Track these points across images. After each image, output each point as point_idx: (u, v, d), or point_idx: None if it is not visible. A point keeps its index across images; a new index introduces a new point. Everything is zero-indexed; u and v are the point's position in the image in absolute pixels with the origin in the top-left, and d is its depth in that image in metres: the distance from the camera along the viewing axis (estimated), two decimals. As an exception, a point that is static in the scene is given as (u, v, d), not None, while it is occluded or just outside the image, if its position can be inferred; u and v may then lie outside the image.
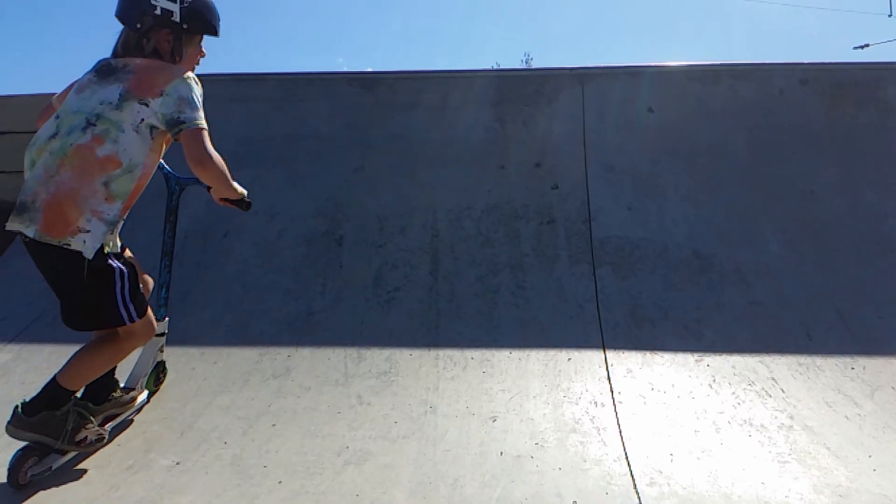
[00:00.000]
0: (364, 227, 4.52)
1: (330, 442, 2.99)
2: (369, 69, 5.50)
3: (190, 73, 2.82)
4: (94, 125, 2.66)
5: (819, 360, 3.50)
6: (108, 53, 2.94)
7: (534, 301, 3.99)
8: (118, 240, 2.88)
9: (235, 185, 2.95)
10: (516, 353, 3.62)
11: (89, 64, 2.96)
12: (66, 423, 2.74)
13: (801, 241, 4.25)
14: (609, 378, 3.41)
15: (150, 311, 2.94)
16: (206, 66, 3.19)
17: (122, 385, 3.18)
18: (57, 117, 2.77)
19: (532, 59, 38.23)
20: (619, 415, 3.14)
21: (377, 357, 3.65)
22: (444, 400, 3.29)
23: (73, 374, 2.76)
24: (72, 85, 2.91)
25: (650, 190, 4.59)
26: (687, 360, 3.54)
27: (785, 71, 5.13)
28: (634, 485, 2.68)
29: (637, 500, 2.59)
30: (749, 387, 3.32)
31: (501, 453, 2.88)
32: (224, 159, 2.85)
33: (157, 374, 3.45)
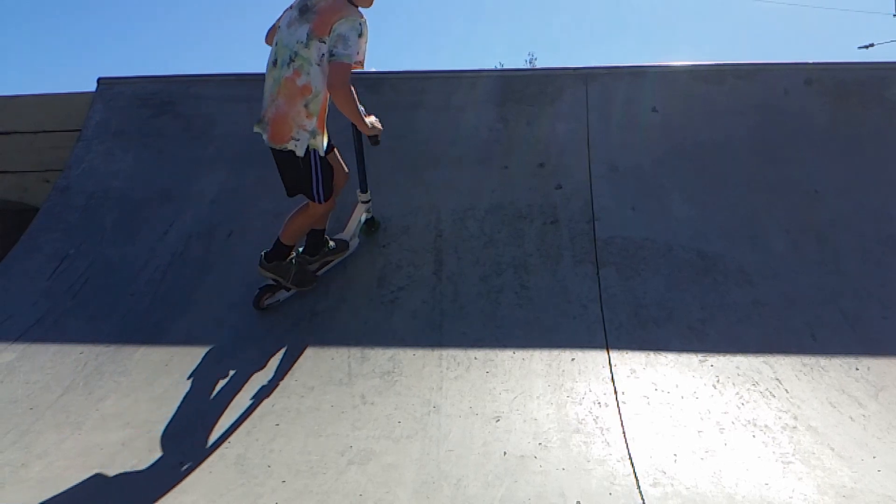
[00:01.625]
0: (366, 226, 4.51)
1: (333, 441, 3.00)
2: (373, 69, 5.48)
3: (358, 15, 3.56)
4: (294, 61, 3.58)
5: (823, 361, 3.49)
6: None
7: (537, 301, 3.99)
8: (322, 142, 3.73)
9: (366, 119, 3.80)
10: (520, 354, 3.62)
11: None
12: (291, 268, 3.99)
13: (806, 241, 4.24)
14: (613, 378, 3.41)
15: (332, 198, 3.95)
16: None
17: (338, 237, 4.30)
18: (276, 44, 3.72)
19: (536, 58, 38.14)
20: (622, 415, 3.14)
21: (381, 357, 3.65)
22: (448, 400, 3.29)
23: (287, 233, 3.94)
24: (290, 7, 3.74)
25: (654, 190, 4.59)
26: (691, 360, 3.53)
27: (789, 71, 5.12)
28: (638, 485, 2.68)
29: (640, 501, 2.59)
30: (753, 387, 3.32)
31: (505, 453, 2.88)
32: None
33: (369, 227, 4.49)
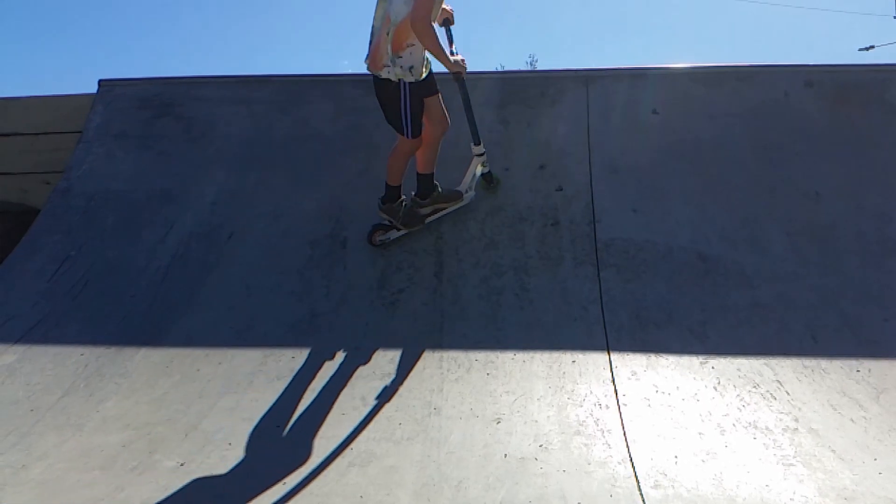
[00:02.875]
0: (368, 228, 4.52)
1: (334, 443, 2.99)
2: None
3: None
4: None
5: (824, 363, 3.49)
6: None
7: (538, 303, 3.99)
8: (411, 74, 3.98)
9: (450, 56, 4.02)
10: (520, 355, 3.62)
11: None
12: (401, 209, 4.35)
13: (806, 243, 4.24)
14: (613, 380, 3.41)
15: (422, 137, 4.17)
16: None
17: (456, 188, 4.53)
18: None
19: (537, 60, 38.10)
20: (623, 417, 3.13)
21: (381, 359, 3.65)
22: (449, 402, 3.29)
23: (388, 173, 4.28)
24: None
25: (655, 192, 4.58)
26: (692, 362, 3.53)
27: (790, 73, 5.12)
28: (639, 487, 2.67)
29: (641, 503, 2.59)
30: (754, 389, 3.31)
31: (505, 455, 2.88)
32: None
33: (488, 182, 4.66)
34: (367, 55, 4.04)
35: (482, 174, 4.58)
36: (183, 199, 4.85)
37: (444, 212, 4.53)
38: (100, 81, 5.63)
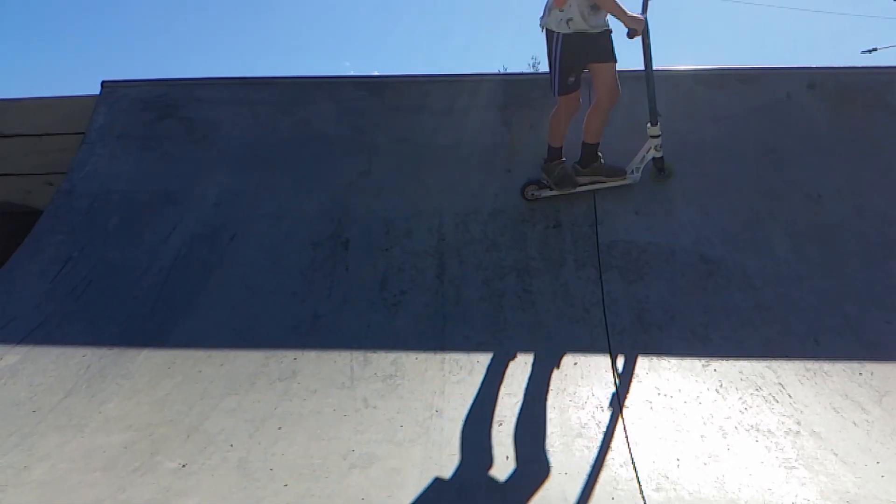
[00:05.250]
0: (370, 230, 4.52)
1: (336, 445, 2.99)
2: (376, 73, 5.51)
3: None
4: None
5: (827, 366, 3.48)
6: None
7: (540, 305, 3.99)
8: (571, 28, 4.02)
9: (629, 14, 3.95)
10: (522, 357, 3.62)
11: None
12: (556, 170, 4.46)
13: (809, 245, 4.24)
14: (615, 382, 3.40)
15: (572, 97, 4.24)
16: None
17: (620, 165, 4.53)
18: None
19: (539, 62, 37.96)
20: (625, 419, 3.13)
21: (383, 360, 3.65)
22: (451, 404, 3.29)
23: (550, 136, 4.41)
24: None
25: (657, 194, 4.58)
26: (694, 364, 3.53)
27: (792, 75, 5.12)
28: (641, 490, 2.67)
29: (643, 506, 2.58)
30: (756, 392, 3.31)
31: (507, 458, 2.88)
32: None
33: (658, 169, 4.55)
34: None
35: (653, 158, 4.53)
36: (185, 200, 4.85)
37: (602, 185, 4.55)
38: (103, 83, 5.64)
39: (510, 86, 5.38)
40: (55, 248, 4.59)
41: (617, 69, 4.23)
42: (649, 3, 4.19)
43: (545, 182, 4.56)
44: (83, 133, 5.37)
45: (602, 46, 4.14)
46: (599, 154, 4.47)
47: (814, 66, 5.17)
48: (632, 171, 4.55)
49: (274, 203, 4.77)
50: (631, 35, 4.00)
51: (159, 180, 5.01)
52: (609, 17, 4.11)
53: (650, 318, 3.85)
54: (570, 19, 4.00)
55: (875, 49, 28.38)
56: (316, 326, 3.97)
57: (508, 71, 21.60)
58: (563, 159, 4.47)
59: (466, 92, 5.33)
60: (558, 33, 4.04)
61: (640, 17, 4.03)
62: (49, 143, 5.66)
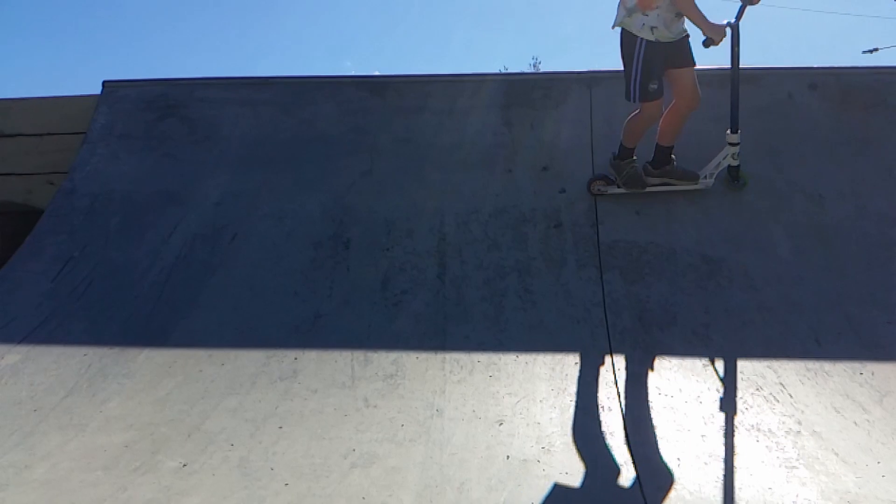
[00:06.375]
0: (372, 230, 4.53)
1: (337, 445, 3.00)
2: (377, 73, 5.51)
3: None
4: None
5: (827, 366, 3.48)
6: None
7: (541, 305, 3.99)
8: (649, 29, 3.94)
9: (710, 23, 3.86)
10: (523, 357, 3.62)
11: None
12: (626, 169, 4.41)
13: (810, 245, 4.23)
14: (616, 382, 3.40)
15: (654, 104, 4.10)
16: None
17: (693, 170, 4.45)
18: None
19: (540, 62, 38.16)
20: (626, 419, 3.13)
21: (384, 360, 3.65)
22: (451, 403, 3.29)
23: (625, 135, 4.32)
24: None
25: (658, 194, 4.58)
26: (694, 364, 3.53)
27: (794, 75, 5.12)
28: (642, 489, 2.67)
29: (644, 505, 2.58)
30: (757, 392, 3.31)
31: (508, 457, 2.88)
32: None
33: (734, 177, 4.49)
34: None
35: (729, 166, 4.45)
36: (187, 200, 4.86)
37: (673, 188, 4.50)
38: (104, 83, 5.65)
39: (511, 86, 5.38)
40: (56, 248, 4.59)
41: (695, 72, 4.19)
42: (745, 11, 4.06)
43: (612, 178, 4.52)
44: (84, 133, 5.38)
45: (681, 51, 4.08)
46: (673, 157, 4.42)
47: (815, 66, 5.17)
48: (704, 177, 4.49)
49: (275, 203, 4.78)
50: (707, 44, 3.91)
51: (160, 180, 5.01)
52: (686, 21, 4.05)
53: (651, 318, 3.85)
54: (654, 27, 3.93)
55: (876, 49, 28.33)
56: (317, 326, 3.97)
57: (509, 71, 21.65)
58: (635, 158, 4.42)
59: (468, 92, 5.34)
60: (641, 39, 3.96)
61: (722, 26, 3.92)
62: (50, 142, 5.67)
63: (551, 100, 5.19)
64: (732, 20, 4.04)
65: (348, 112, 5.30)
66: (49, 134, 5.69)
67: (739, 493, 2.64)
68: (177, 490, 2.70)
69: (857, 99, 4.95)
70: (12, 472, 2.85)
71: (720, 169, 4.47)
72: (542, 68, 35.09)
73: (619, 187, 4.50)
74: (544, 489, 2.68)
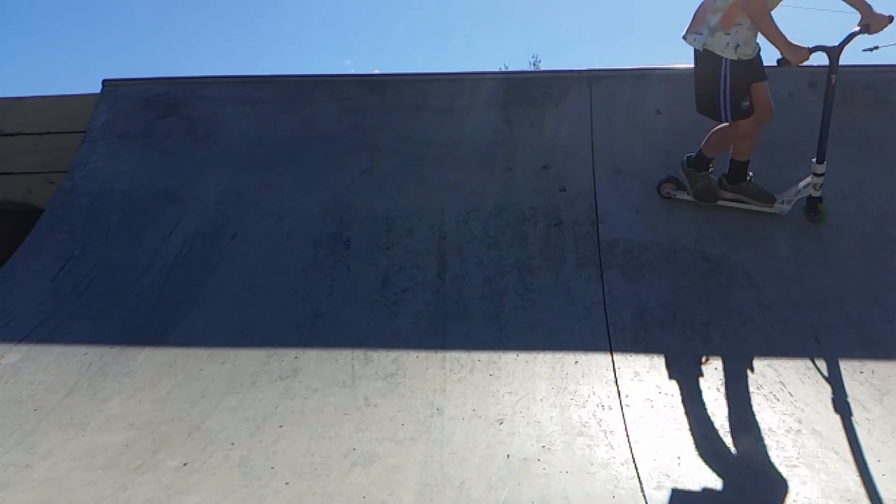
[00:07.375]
0: (372, 228, 4.53)
1: (337, 443, 3.00)
2: (377, 71, 5.51)
3: None
4: None
5: (828, 365, 3.48)
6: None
7: (541, 303, 3.99)
8: (739, 55, 3.85)
9: (788, 40, 3.70)
10: (523, 356, 3.62)
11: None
12: (698, 180, 4.31)
13: (810, 243, 4.23)
14: (616, 381, 3.40)
15: (750, 121, 3.97)
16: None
17: (771, 192, 4.32)
18: None
19: (540, 61, 38.09)
20: (626, 418, 3.13)
21: (384, 359, 3.65)
22: (451, 402, 3.29)
23: (705, 143, 4.20)
24: None
25: (653, 193, 4.58)
26: (695, 363, 3.52)
27: (793, 73, 5.11)
28: (642, 488, 2.67)
29: (644, 504, 2.58)
30: (757, 390, 3.31)
31: (508, 456, 2.88)
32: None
33: (812, 209, 4.30)
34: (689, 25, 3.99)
35: (809, 196, 4.28)
36: (187, 198, 4.86)
37: (745, 206, 4.37)
38: (104, 81, 5.65)
39: (511, 84, 5.38)
40: (56, 247, 4.59)
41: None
42: (855, 38, 3.92)
43: (683, 183, 4.44)
44: (84, 132, 5.38)
45: (758, 66, 4.02)
46: (749, 173, 4.31)
47: (815, 64, 5.15)
48: (782, 202, 4.32)
49: (275, 202, 4.78)
50: (783, 64, 3.77)
51: (160, 179, 5.01)
52: (759, 35, 3.94)
53: (651, 316, 3.85)
54: (737, 46, 3.84)
55: (877, 47, 28.16)
56: (317, 325, 3.97)
57: (509, 69, 21.65)
58: (712, 169, 4.33)
59: (467, 90, 5.34)
60: (726, 59, 3.87)
61: (805, 49, 3.76)
62: (50, 141, 5.67)
63: (551, 98, 5.19)
64: (829, 45, 3.89)
65: (348, 110, 5.30)
66: (49, 133, 5.69)
67: (740, 493, 2.64)
68: (177, 489, 2.71)
69: (857, 97, 4.95)
70: (13, 471, 2.85)
71: (800, 196, 4.31)
72: (542, 67, 35.11)
73: (688, 195, 4.43)
74: (544, 488, 2.68)
